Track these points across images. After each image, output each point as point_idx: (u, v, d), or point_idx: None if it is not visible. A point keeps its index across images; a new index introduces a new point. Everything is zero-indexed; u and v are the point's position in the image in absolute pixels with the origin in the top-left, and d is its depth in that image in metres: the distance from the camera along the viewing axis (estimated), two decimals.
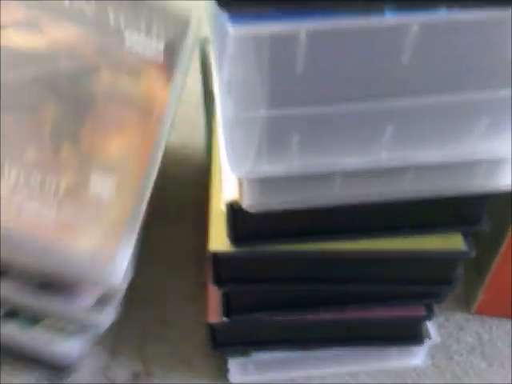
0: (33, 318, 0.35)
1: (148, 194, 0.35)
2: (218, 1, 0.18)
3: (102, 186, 0.33)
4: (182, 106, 0.55)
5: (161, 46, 0.38)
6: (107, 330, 0.37)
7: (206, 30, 0.34)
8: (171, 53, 0.40)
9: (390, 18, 0.19)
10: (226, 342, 0.35)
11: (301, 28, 0.19)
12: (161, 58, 0.38)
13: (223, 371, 0.37)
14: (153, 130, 0.37)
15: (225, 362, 0.37)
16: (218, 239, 0.30)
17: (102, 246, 0.32)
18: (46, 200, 0.31)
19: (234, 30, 0.19)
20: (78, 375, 0.37)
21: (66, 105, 0.34)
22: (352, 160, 0.23)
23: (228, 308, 0.33)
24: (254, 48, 0.19)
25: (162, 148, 0.37)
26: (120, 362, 0.38)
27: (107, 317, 0.35)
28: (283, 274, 0.31)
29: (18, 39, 0.33)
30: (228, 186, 0.27)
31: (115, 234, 0.32)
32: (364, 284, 0.31)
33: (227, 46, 0.19)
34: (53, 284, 0.33)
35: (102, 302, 0.35)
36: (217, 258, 0.30)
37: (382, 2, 0.19)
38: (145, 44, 0.37)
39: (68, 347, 0.35)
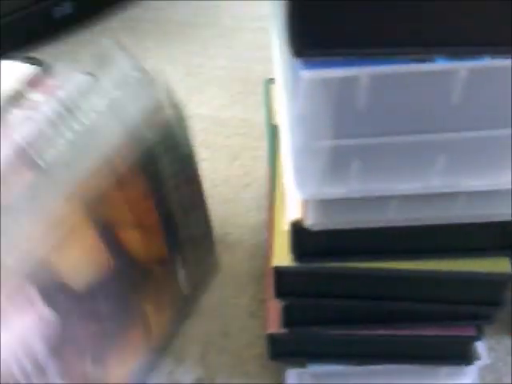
0: None
1: None
2: (293, 51, 0.22)
3: None
4: (244, 138, 0.60)
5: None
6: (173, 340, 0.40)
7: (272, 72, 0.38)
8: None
9: (439, 65, 0.22)
10: (284, 353, 0.38)
11: (363, 73, 0.23)
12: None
13: (281, 381, 0.40)
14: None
15: (282, 374, 0.40)
16: (281, 256, 0.33)
17: None
18: None
19: (307, 74, 0.22)
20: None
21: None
22: (407, 186, 0.26)
23: (287, 320, 0.36)
24: (323, 89, 0.23)
25: None
26: (184, 368, 0.42)
27: None
28: (340, 290, 0.34)
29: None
30: (292, 207, 0.30)
31: None
32: (417, 303, 0.33)
33: (299, 86, 0.23)
34: None
35: None
36: (279, 272, 0.33)
37: (432, 52, 0.22)
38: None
39: None
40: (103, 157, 0.34)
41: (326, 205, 0.29)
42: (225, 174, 0.56)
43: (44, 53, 0.65)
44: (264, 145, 0.56)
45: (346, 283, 0.33)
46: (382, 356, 0.37)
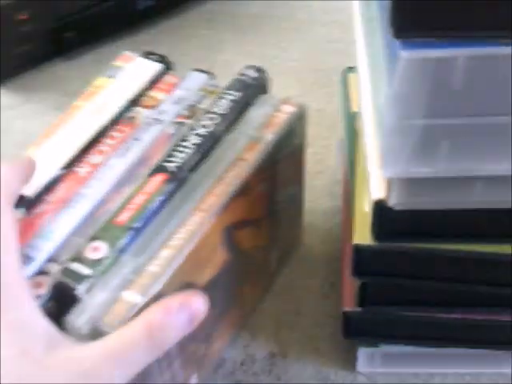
0: None
1: None
2: (394, 32, 0.24)
3: None
4: (317, 127, 0.61)
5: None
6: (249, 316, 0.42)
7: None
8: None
9: None
10: (357, 332, 0.39)
11: (459, 54, 0.24)
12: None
13: (351, 360, 0.41)
14: None
15: (353, 352, 0.41)
16: (362, 234, 0.34)
17: None
18: None
19: (405, 54, 0.24)
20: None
21: None
22: (495, 167, 0.27)
23: (363, 298, 0.37)
24: (420, 69, 0.24)
25: None
26: (259, 342, 0.44)
27: None
28: (418, 271, 0.35)
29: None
30: (375, 187, 0.32)
31: None
32: (495, 287, 0.34)
33: (397, 66, 0.24)
34: None
35: None
36: (359, 250, 0.34)
37: None
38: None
39: None
40: (228, 161, 0.35)
41: (410, 184, 0.30)
42: None
43: (124, 44, 0.69)
44: (335, 134, 0.58)
45: (424, 264, 0.34)
46: (454, 340, 0.38)
